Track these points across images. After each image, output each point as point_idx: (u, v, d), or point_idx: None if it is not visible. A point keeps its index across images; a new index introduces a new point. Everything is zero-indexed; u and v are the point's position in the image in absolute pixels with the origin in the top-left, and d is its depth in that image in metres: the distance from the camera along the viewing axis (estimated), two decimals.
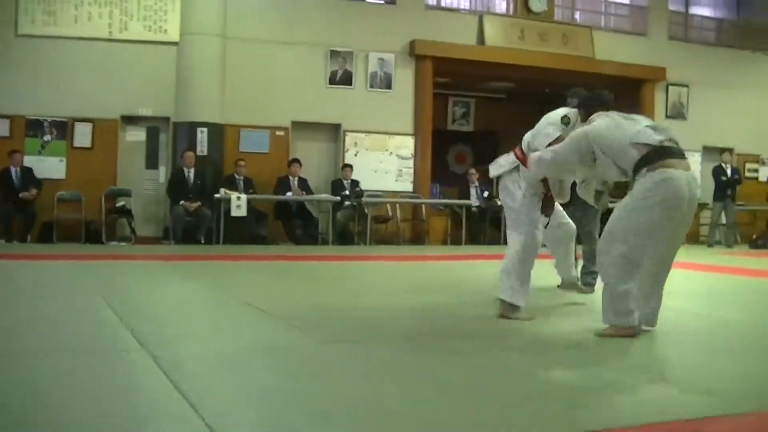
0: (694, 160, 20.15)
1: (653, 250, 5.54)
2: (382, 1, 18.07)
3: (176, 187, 15.25)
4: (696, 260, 12.86)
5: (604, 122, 5.83)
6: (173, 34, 15.98)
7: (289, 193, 16.13)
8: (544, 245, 7.09)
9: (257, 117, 16.61)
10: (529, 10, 19.15)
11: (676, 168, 5.46)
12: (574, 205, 7.44)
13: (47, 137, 15.55)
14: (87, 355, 4.66)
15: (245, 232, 15.53)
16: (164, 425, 3.30)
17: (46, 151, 15.52)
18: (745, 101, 21.59)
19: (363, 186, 16.89)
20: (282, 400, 3.72)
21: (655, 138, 5.53)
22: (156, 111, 16.09)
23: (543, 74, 18.91)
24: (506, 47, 18.68)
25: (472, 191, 18.13)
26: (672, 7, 21.31)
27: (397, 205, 17.68)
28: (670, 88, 20.84)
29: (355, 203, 16.49)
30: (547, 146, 6.31)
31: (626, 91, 18.42)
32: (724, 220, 19.09)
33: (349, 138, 17.51)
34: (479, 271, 11.27)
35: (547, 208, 6.73)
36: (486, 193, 17.88)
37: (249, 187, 15.75)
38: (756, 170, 21.87)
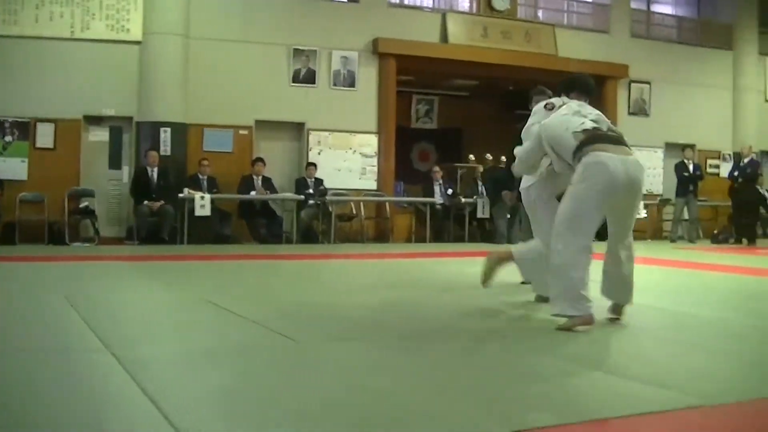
0: (657, 156, 20.56)
1: (592, 230, 5.74)
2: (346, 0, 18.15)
3: (140, 186, 15.28)
4: (658, 255, 13.11)
5: (556, 118, 6.08)
6: (136, 34, 16.02)
7: (252, 192, 16.23)
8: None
9: (221, 116, 16.68)
10: (492, 8, 19.37)
11: (609, 152, 5.64)
12: None
13: (9, 138, 15.55)
14: (50, 356, 4.64)
15: (209, 232, 15.59)
16: (129, 426, 3.30)
17: (8, 152, 15.52)
18: (706, 98, 22.01)
19: (327, 184, 16.99)
20: (247, 400, 3.72)
21: (590, 125, 5.78)
22: (119, 111, 16.11)
23: (506, 72, 19.15)
24: (469, 45, 18.88)
25: (436, 189, 18.31)
26: (634, 4, 21.66)
27: (361, 204, 17.82)
28: (633, 85, 21.15)
29: (319, 202, 16.59)
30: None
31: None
32: (686, 216, 19.34)
33: (313, 136, 17.64)
34: (444, 268, 11.43)
35: None
36: (450, 191, 18.08)
37: (213, 186, 15.82)
38: (717, 166, 22.23)
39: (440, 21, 18.85)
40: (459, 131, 22.86)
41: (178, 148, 16.19)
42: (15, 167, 15.50)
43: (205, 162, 15.96)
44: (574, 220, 5.66)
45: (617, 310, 6.11)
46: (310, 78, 17.50)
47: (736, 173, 18.69)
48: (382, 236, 17.98)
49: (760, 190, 20.24)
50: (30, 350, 4.81)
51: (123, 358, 4.45)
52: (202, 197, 15.09)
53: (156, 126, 16.00)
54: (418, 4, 19.19)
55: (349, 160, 17.99)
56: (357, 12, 18.05)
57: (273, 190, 16.56)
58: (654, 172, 20.71)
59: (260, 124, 17.25)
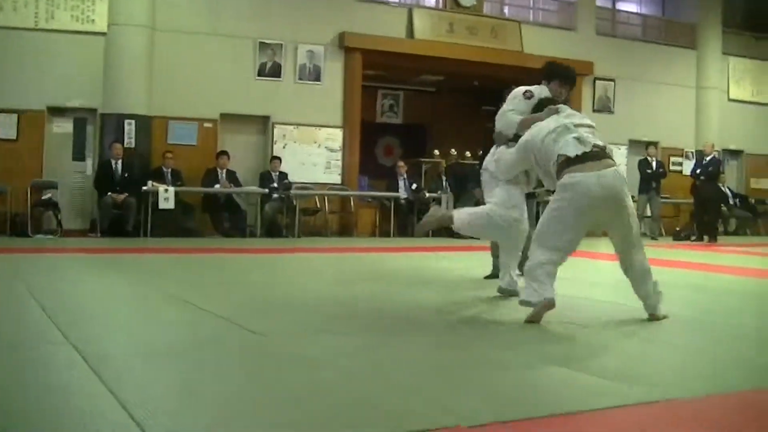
0: (620, 153, 20.70)
1: (562, 243, 5.90)
2: None
3: (103, 179, 15.32)
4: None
5: (545, 130, 6.16)
6: (101, 25, 16.03)
7: (217, 186, 16.30)
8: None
9: (185, 109, 16.72)
10: (458, 3, 19.56)
11: (584, 171, 5.77)
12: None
13: None
14: (11, 349, 4.62)
15: (173, 225, 15.66)
16: (90, 420, 3.24)
17: None
18: (670, 96, 22.35)
19: (291, 178, 17.08)
20: (210, 394, 3.71)
21: (573, 152, 5.88)
22: (83, 102, 16.10)
23: (472, 68, 19.30)
24: (435, 40, 19.04)
25: (401, 183, 18.46)
26: (599, 2, 22.00)
27: (326, 198, 17.96)
28: (597, 82, 21.41)
29: (283, 195, 16.68)
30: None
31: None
32: (649, 213, 19.56)
33: (278, 130, 17.72)
34: (409, 262, 11.55)
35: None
36: (414, 186, 18.20)
37: (177, 179, 15.90)
38: (680, 164, 22.54)
39: (406, 16, 18.98)
40: (424, 126, 23.00)
41: (143, 140, 16.22)
42: None
43: (170, 155, 16.03)
44: (544, 234, 5.89)
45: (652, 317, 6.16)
46: (275, 72, 17.59)
47: (698, 171, 18.95)
48: (346, 230, 18.11)
49: (722, 188, 20.62)
50: None
51: (84, 351, 4.44)
52: (166, 190, 15.15)
53: (120, 118, 16.00)
54: None
55: (314, 154, 18.08)
56: (323, 6, 18.13)
57: (237, 183, 16.64)
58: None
59: (225, 117, 17.30)
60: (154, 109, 16.37)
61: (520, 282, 6.62)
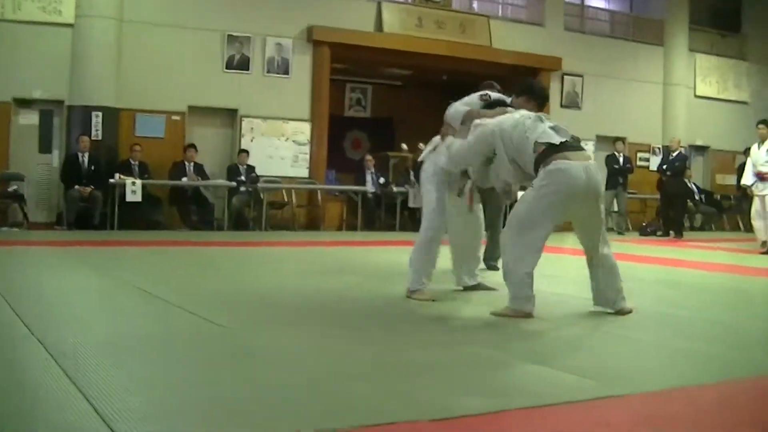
0: (588, 148, 20.74)
1: (543, 233, 5.94)
2: None
3: (70, 171, 15.31)
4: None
5: (511, 119, 6.22)
6: (68, 16, 15.97)
7: (184, 179, 16.34)
8: None
9: (153, 101, 16.73)
10: None
11: (570, 159, 5.84)
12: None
13: None
14: None
15: (140, 218, 15.66)
16: (53, 413, 3.28)
17: None
18: (637, 92, 22.62)
19: (259, 171, 17.14)
20: (174, 387, 3.75)
21: (556, 138, 5.94)
22: (50, 94, 16.04)
23: (440, 62, 19.44)
24: (404, 34, 19.16)
25: (368, 177, 18.58)
26: None
27: (293, 191, 18.04)
28: (565, 77, 21.61)
29: (250, 189, 16.76)
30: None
31: (522, 80, 18.93)
32: (616, 208, 19.74)
33: (246, 123, 17.79)
34: (376, 256, 11.65)
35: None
36: (381, 180, 18.29)
37: (144, 172, 15.92)
38: (647, 159, 22.76)
39: (375, 10, 19.08)
40: (392, 120, 23.08)
41: (110, 132, 16.22)
42: None
43: (137, 147, 16.05)
44: (526, 221, 5.89)
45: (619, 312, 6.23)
46: (243, 65, 17.65)
47: (664, 166, 19.18)
48: (313, 224, 18.22)
49: (688, 184, 20.85)
50: None
51: (49, 344, 4.48)
52: (134, 183, 15.19)
53: (87, 110, 16.00)
54: None
55: (282, 148, 18.17)
56: None
57: (205, 176, 16.70)
58: None
59: (193, 110, 17.33)
60: (122, 101, 16.35)
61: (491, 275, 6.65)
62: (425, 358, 4.60)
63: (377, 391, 3.80)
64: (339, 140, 21.70)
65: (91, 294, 7.13)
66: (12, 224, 15.00)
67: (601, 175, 6.07)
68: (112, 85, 16.25)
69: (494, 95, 7.04)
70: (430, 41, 19.27)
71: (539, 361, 4.59)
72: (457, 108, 6.90)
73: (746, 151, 15.33)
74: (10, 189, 15.32)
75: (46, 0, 15.85)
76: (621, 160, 19.66)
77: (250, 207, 17.13)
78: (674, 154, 19.11)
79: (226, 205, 16.79)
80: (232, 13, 17.57)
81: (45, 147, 16.39)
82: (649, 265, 11.34)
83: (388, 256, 10.98)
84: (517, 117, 6.22)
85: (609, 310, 6.19)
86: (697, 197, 22.23)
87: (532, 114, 6.25)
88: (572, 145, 5.99)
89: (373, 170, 18.76)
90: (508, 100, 6.92)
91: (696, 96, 24.00)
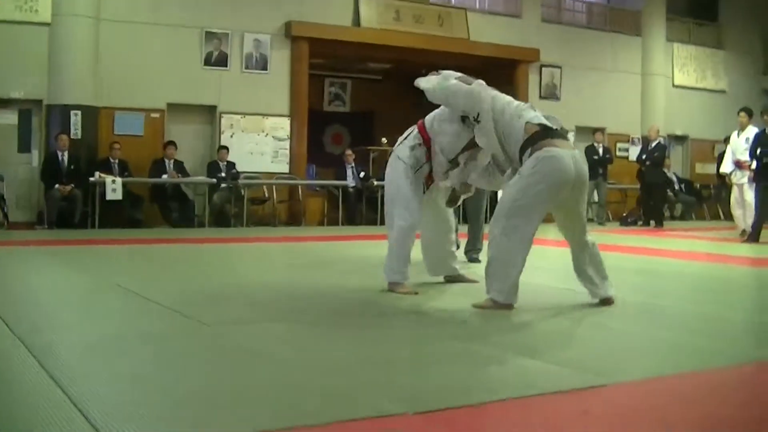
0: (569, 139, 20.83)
1: (534, 221, 5.92)
2: None
3: (50, 171, 15.28)
4: None
5: (501, 101, 6.21)
6: (45, 15, 15.90)
7: (164, 176, 16.35)
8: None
9: (132, 99, 16.70)
10: None
11: (560, 147, 5.83)
12: None
13: None
14: None
15: (121, 216, 15.68)
16: (35, 412, 3.27)
17: None
18: (616, 82, 22.74)
19: (239, 168, 17.16)
20: (156, 385, 3.73)
21: (544, 121, 5.97)
22: (28, 93, 15.99)
23: (418, 55, 19.42)
24: (382, 29, 19.20)
25: (349, 172, 18.60)
26: None
27: (274, 187, 18.10)
28: (544, 69, 21.67)
29: (231, 185, 16.78)
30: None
31: (501, 72, 19.26)
32: (596, 199, 19.82)
33: (225, 120, 17.80)
34: (358, 251, 11.66)
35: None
36: (362, 174, 18.32)
37: (124, 170, 15.91)
38: (627, 150, 22.85)
39: (353, 4, 19.10)
40: (371, 114, 23.12)
41: (89, 131, 16.20)
42: None
43: (117, 145, 16.04)
44: (517, 209, 5.83)
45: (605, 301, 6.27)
46: (222, 61, 17.64)
47: (643, 157, 19.26)
48: (294, 219, 18.24)
49: (667, 173, 20.97)
50: None
51: (31, 344, 4.47)
52: (114, 181, 15.19)
53: (66, 109, 15.97)
54: None
55: (261, 144, 18.18)
56: None
57: (185, 173, 16.71)
58: None
59: (172, 107, 17.32)
60: (101, 99, 16.34)
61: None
62: (407, 352, 4.62)
63: (361, 385, 3.81)
64: (319, 135, 21.71)
65: (73, 293, 7.12)
66: None
67: (586, 166, 6.07)
68: (91, 84, 16.23)
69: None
70: (408, 35, 19.32)
71: (520, 352, 4.61)
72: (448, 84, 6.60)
73: (726, 140, 15.44)
74: None
75: None
76: (600, 150, 19.74)
77: (231, 203, 17.15)
78: (653, 144, 19.21)
79: (206, 202, 16.82)
80: (210, 10, 17.55)
81: (24, 146, 16.36)
82: (629, 255, 11.40)
83: (370, 251, 11.00)
84: (508, 100, 6.24)
85: (594, 300, 6.23)
86: (676, 187, 22.38)
87: (519, 102, 6.29)
88: (561, 135, 6.00)
89: (353, 165, 18.79)
90: None
91: (674, 86, 24.15)
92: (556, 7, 22.40)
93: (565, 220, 6.22)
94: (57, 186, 15.03)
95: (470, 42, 20.06)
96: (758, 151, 13.61)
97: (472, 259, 9.40)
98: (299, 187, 18.39)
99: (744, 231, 14.50)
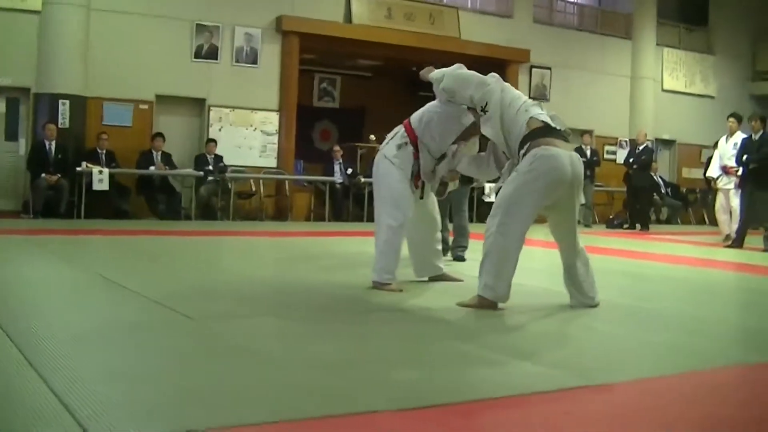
0: None
1: (529, 219, 5.88)
2: None
3: (37, 160, 15.22)
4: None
5: (510, 93, 6.19)
6: (35, 3, 15.84)
7: (152, 168, 16.32)
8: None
9: (121, 90, 16.68)
10: None
11: (559, 147, 5.81)
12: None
13: None
14: None
15: (107, 207, 15.65)
16: (16, 402, 3.25)
17: None
18: (605, 85, 22.81)
19: (227, 161, 17.16)
20: (138, 377, 3.70)
21: (551, 122, 5.92)
22: (16, 81, 15.97)
23: (409, 53, 19.44)
24: (373, 25, 19.21)
25: (336, 168, 18.60)
26: None
27: (261, 181, 18.09)
28: (534, 70, 21.74)
29: (218, 178, 16.77)
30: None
31: (491, 71, 19.02)
32: (583, 200, 19.75)
33: (214, 113, 17.79)
34: (344, 247, 11.67)
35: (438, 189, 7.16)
36: (350, 171, 18.32)
37: (111, 160, 15.88)
38: (614, 152, 22.92)
39: (344, 1, 19.13)
40: (360, 111, 23.11)
41: (77, 121, 16.17)
42: None
43: (104, 136, 16.00)
44: (514, 206, 5.79)
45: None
46: (212, 54, 17.64)
47: (631, 160, 19.35)
48: (281, 214, 18.24)
49: (654, 177, 21.01)
50: None
51: (13, 333, 4.47)
52: (101, 171, 15.16)
53: (54, 98, 15.92)
54: None
55: (250, 138, 18.19)
56: None
57: (172, 165, 16.69)
58: None
59: (161, 99, 17.31)
60: (89, 89, 16.32)
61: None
62: (396, 350, 4.62)
63: (349, 381, 3.80)
64: (307, 130, 21.71)
65: (57, 283, 7.08)
66: None
67: (582, 168, 6.02)
68: (80, 73, 16.19)
69: None
70: (400, 32, 19.34)
71: (506, 352, 4.61)
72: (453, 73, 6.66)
73: (716, 145, 15.49)
74: None
75: None
76: (588, 152, 19.76)
77: (218, 197, 17.15)
78: (641, 148, 19.28)
79: (193, 195, 16.79)
80: (202, 2, 17.55)
81: (11, 135, 16.35)
82: (615, 257, 11.42)
83: (356, 247, 11.01)
84: (518, 94, 6.23)
85: (579, 303, 6.21)
86: (663, 190, 22.43)
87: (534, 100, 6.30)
88: (562, 135, 5.95)
89: (341, 161, 18.79)
90: None
91: (663, 90, 24.28)
92: (547, 8, 22.48)
93: (557, 221, 6.19)
94: (43, 175, 14.98)
95: (461, 41, 20.08)
96: (744, 157, 13.65)
97: (457, 257, 9.40)
98: (286, 182, 18.38)
99: (728, 236, 14.55)
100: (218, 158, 17.03)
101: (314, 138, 22.80)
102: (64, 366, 3.83)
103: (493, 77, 6.34)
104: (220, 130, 17.75)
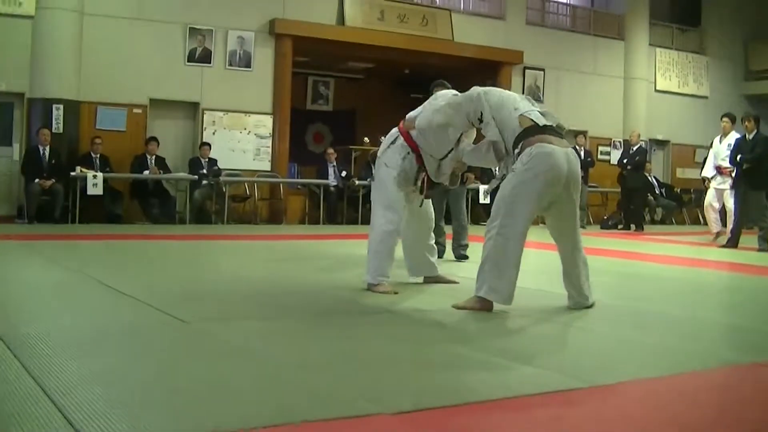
0: None
1: (528, 217, 5.85)
2: None
3: (31, 165, 15.21)
4: (549, 240, 13.46)
5: (503, 91, 6.26)
6: (28, 8, 15.83)
7: (146, 172, 16.31)
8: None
9: (114, 94, 16.68)
10: None
11: (554, 144, 5.76)
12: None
13: None
14: None
15: (101, 211, 15.66)
16: (11, 405, 3.22)
17: None
18: (598, 86, 22.85)
19: (221, 165, 17.14)
20: (132, 381, 3.70)
21: (542, 121, 5.86)
22: (9, 86, 15.93)
23: (402, 55, 19.50)
24: (366, 28, 19.23)
25: (330, 171, 18.62)
26: None
27: (255, 184, 18.10)
28: (527, 71, 21.77)
29: (212, 182, 16.76)
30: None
31: (484, 73, 19.26)
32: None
33: (207, 116, 17.78)
34: (339, 250, 11.63)
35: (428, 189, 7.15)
36: (344, 173, 18.33)
37: (105, 165, 15.87)
38: (608, 153, 22.95)
39: (337, 3, 19.12)
40: (354, 113, 23.15)
41: (71, 125, 16.15)
42: None
43: (98, 140, 15.99)
44: (512, 206, 5.76)
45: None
46: (205, 57, 17.63)
47: (625, 160, 19.36)
48: (275, 217, 18.24)
49: (648, 178, 21.04)
50: None
51: (7, 336, 4.45)
52: (95, 176, 15.16)
53: (48, 103, 15.92)
54: None
55: (244, 141, 18.18)
56: None
57: (166, 169, 16.68)
58: None
59: (154, 102, 17.30)
60: (83, 94, 16.32)
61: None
62: (389, 352, 4.60)
63: (343, 383, 3.79)
64: (301, 133, 21.74)
65: (51, 287, 7.06)
66: None
67: (579, 164, 6.01)
68: (73, 78, 16.18)
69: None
70: (393, 35, 19.34)
71: (502, 354, 4.59)
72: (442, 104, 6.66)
73: (711, 145, 15.51)
74: None
75: None
76: (582, 153, 19.73)
77: (212, 200, 17.13)
78: (634, 148, 19.32)
79: (187, 199, 16.76)
80: (194, 6, 17.54)
81: (5, 139, 16.31)
82: (609, 258, 11.42)
83: (350, 249, 11.01)
84: (510, 93, 6.26)
85: (576, 304, 6.22)
86: (657, 191, 22.47)
87: (522, 95, 6.29)
88: (556, 131, 5.90)
89: (335, 164, 18.80)
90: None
91: (656, 90, 24.32)
92: (540, 10, 22.52)
93: (557, 221, 6.17)
94: (37, 180, 14.98)
95: (454, 43, 20.11)
96: (738, 157, 13.67)
97: (460, 255, 9.42)
98: (281, 185, 18.39)
99: (717, 234, 14.59)
100: (212, 162, 17.03)
101: (308, 141, 22.81)
102: (58, 369, 3.82)
103: (474, 90, 6.33)
104: (213, 133, 17.74)
